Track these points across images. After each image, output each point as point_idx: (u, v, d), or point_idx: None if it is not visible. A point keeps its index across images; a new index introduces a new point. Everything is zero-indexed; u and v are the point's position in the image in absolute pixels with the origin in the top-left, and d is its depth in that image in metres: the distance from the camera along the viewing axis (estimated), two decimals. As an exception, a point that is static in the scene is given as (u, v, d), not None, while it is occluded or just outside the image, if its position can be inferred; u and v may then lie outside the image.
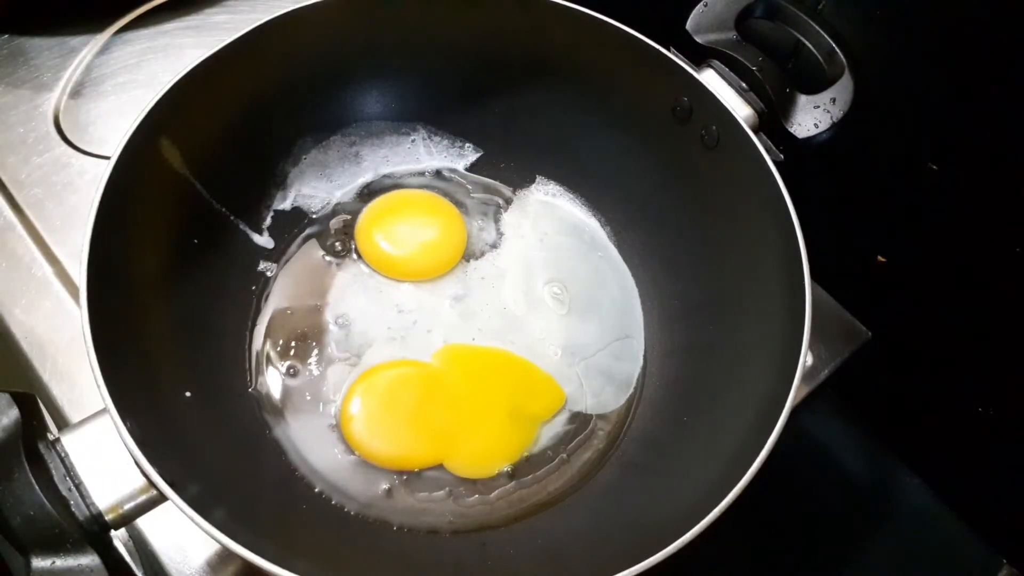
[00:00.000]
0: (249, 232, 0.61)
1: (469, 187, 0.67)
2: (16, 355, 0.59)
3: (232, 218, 0.60)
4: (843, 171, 0.64)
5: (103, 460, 0.41)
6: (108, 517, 0.41)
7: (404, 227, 0.64)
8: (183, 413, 0.50)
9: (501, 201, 0.67)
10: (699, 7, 0.58)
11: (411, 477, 0.55)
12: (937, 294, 0.62)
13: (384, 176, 0.67)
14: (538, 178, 0.68)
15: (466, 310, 0.62)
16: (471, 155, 0.68)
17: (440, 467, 0.55)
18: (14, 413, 0.40)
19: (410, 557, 0.52)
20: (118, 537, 0.51)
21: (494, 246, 0.65)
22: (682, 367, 0.60)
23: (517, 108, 0.65)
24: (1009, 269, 0.55)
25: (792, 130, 0.57)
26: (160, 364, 0.50)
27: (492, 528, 0.54)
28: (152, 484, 0.40)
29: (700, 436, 0.53)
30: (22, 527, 0.38)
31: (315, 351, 0.59)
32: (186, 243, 0.55)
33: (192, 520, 0.39)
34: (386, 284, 0.62)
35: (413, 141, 0.67)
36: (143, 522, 0.51)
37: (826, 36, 0.57)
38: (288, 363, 0.58)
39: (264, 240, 0.62)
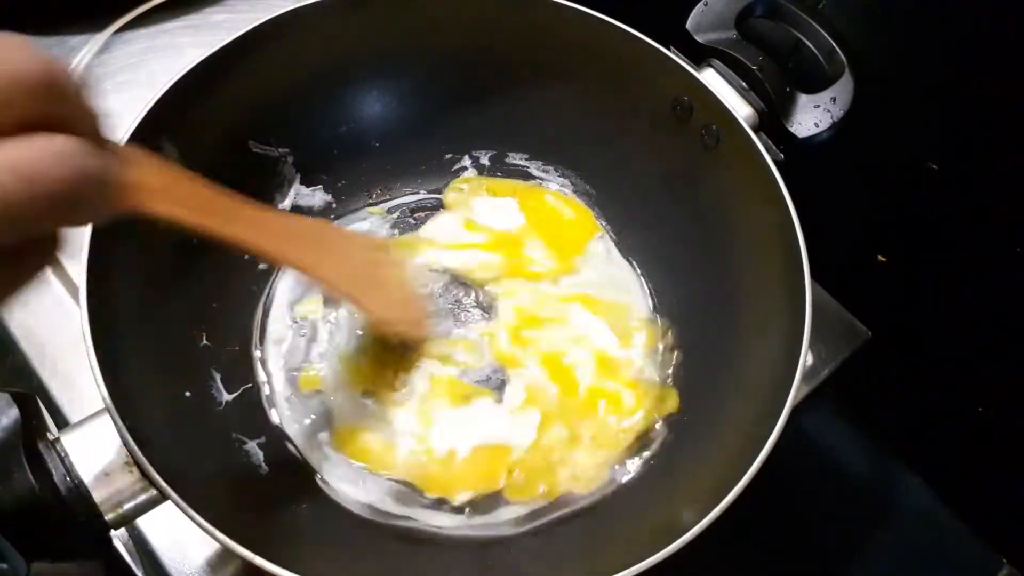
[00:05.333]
0: (249, 232, 0.61)
1: (469, 186, 0.67)
2: (16, 355, 0.59)
3: (232, 218, 0.60)
4: (843, 171, 0.64)
5: (103, 460, 0.41)
6: (108, 517, 0.41)
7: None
8: (183, 413, 0.50)
9: (501, 200, 0.67)
10: (699, 6, 0.58)
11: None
12: (937, 294, 0.62)
13: (384, 175, 0.67)
14: (538, 178, 0.68)
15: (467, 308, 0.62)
16: (471, 154, 0.68)
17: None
18: (14, 413, 0.40)
19: (409, 557, 0.52)
20: (118, 537, 0.51)
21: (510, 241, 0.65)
22: (682, 366, 0.60)
23: (517, 108, 0.65)
24: (1009, 269, 0.55)
25: (792, 129, 0.57)
26: (160, 364, 0.50)
27: (492, 527, 0.54)
28: (152, 484, 0.40)
29: (700, 436, 0.53)
30: (22, 527, 0.38)
31: (316, 350, 0.59)
32: (186, 242, 0.55)
33: (192, 519, 0.39)
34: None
35: (413, 141, 0.67)
36: (143, 522, 0.51)
37: (826, 35, 0.57)
38: (289, 362, 0.58)
39: (264, 240, 0.62)
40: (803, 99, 0.57)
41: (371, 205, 0.66)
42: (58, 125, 0.23)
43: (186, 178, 0.35)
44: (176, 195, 0.34)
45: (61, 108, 0.23)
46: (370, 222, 0.66)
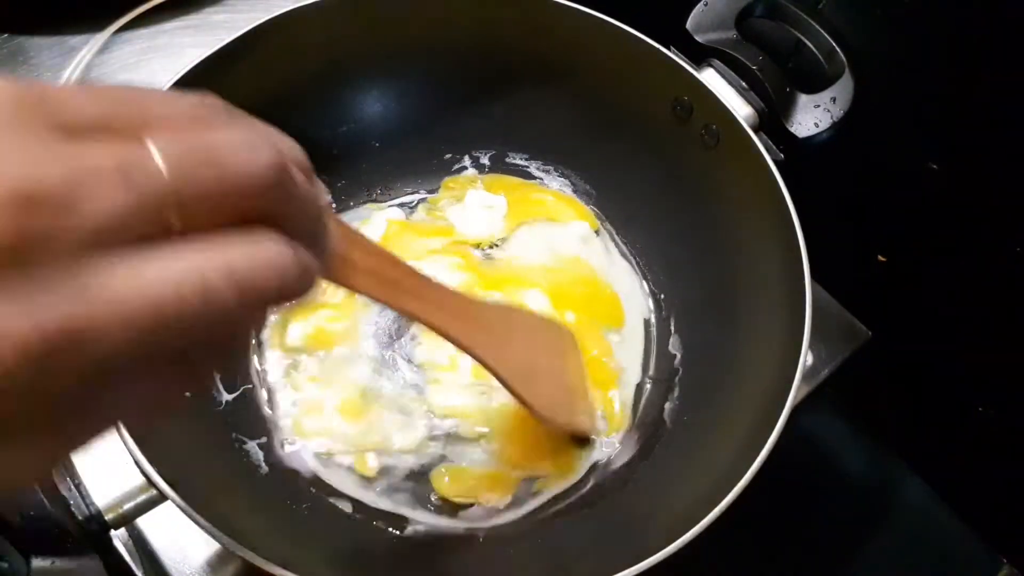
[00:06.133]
0: (249, 232, 0.61)
1: (469, 187, 0.67)
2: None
3: (232, 217, 0.60)
4: (843, 171, 0.64)
5: (103, 460, 0.41)
6: (108, 517, 0.41)
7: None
8: (183, 413, 0.50)
9: (501, 200, 0.67)
10: (699, 6, 0.58)
11: (411, 481, 0.55)
12: (937, 294, 0.62)
13: (384, 175, 0.67)
14: (538, 178, 0.68)
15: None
16: (471, 154, 0.68)
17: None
18: (14, 413, 0.40)
19: (409, 557, 0.52)
20: (118, 537, 0.51)
21: (495, 246, 0.65)
22: (682, 366, 0.60)
23: (517, 108, 0.65)
24: (1009, 269, 0.55)
25: (792, 129, 0.57)
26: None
27: (491, 527, 0.54)
28: (152, 484, 0.40)
29: (700, 435, 0.53)
30: (22, 527, 0.38)
31: (317, 350, 0.59)
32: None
33: (192, 520, 0.39)
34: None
35: (413, 141, 0.67)
36: (143, 522, 0.51)
37: (826, 35, 0.57)
38: (290, 362, 0.58)
39: (264, 240, 0.62)
40: (803, 99, 0.57)
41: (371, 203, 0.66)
42: (277, 220, 0.22)
43: (385, 256, 0.36)
44: (375, 272, 0.35)
45: (285, 207, 0.22)
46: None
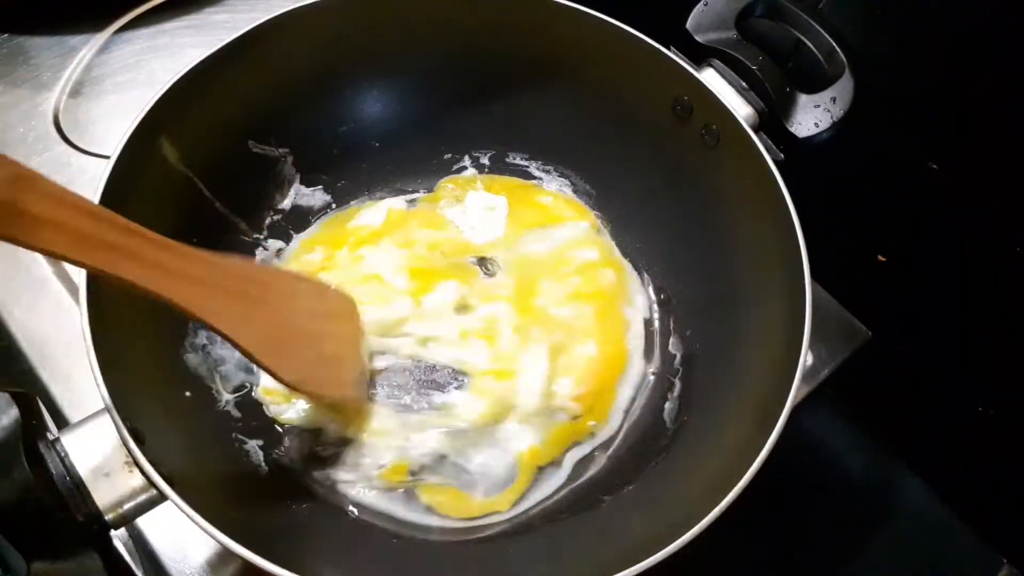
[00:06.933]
0: (249, 231, 0.61)
1: (469, 187, 0.67)
2: (16, 355, 0.59)
3: (232, 217, 0.60)
4: (843, 171, 0.64)
5: (103, 460, 0.41)
6: (108, 517, 0.41)
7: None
8: (183, 413, 0.50)
9: (502, 202, 0.67)
10: (699, 6, 0.58)
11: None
12: (937, 294, 0.62)
13: (384, 175, 0.67)
14: (538, 178, 0.68)
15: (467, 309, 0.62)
16: (471, 154, 0.68)
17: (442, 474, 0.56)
18: (14, 413, 0.40)
19: (408, 557, 0.52)
20: (118, 537, 0.51)
21: (494, 246, 0.65)
22: (682, 366, 0.60)
23: (517, 108, 0.65)
24: (1009, 269, 0.55)
25: (792, 129, 0.57)
26: (160, 364, 0.50)
27: (490, 527, 0.54)
28: (152, 484, 0.40)
29: (700, 435, 0.53)
30: (22, 527, 0.38)
31: (315, 351, 0.59)
32: (186, 242, 0.55)
33: (192, 520, 0.39)
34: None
35: (413, 141, 0.67)
36: (143, 522, 0.51)
37: (826, 35, 0.57)
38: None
39: (264, 239, 0.62)
40: (803, 99, 0.57)
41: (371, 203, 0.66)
42: None
43: (82, 206, 0.30)
44: (64, 225, 0.29)
45: None
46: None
